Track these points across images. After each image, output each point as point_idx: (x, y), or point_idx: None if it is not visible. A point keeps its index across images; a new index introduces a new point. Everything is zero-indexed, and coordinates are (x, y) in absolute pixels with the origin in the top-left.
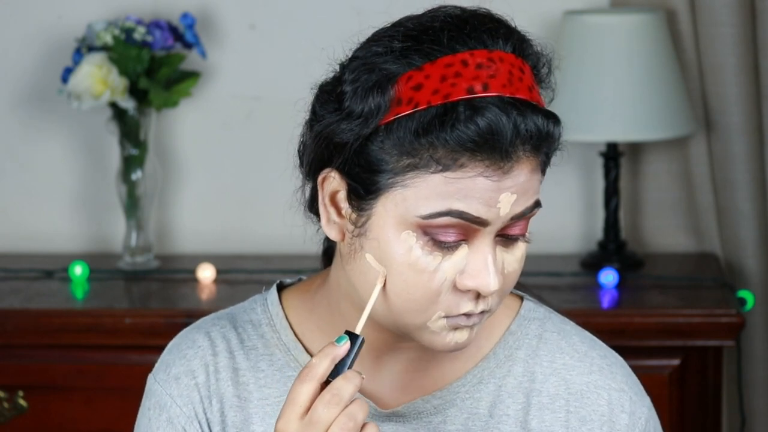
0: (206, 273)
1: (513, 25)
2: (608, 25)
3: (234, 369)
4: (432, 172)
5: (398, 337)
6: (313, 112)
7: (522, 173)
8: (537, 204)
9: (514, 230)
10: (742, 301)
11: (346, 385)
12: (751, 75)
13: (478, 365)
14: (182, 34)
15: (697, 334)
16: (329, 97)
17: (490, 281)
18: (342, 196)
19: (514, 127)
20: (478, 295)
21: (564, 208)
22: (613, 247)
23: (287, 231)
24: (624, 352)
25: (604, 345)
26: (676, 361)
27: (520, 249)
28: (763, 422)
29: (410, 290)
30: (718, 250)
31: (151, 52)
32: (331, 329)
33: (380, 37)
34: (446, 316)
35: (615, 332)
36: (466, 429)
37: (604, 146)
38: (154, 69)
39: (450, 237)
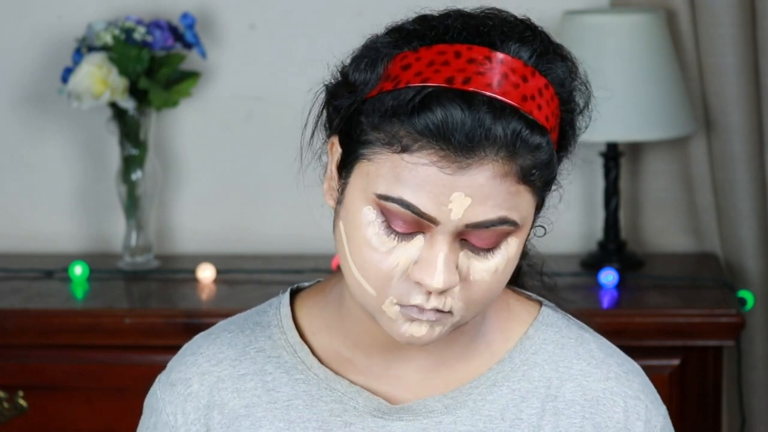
0: (206, 273)
1: (550, 39)
2: (608, 25)
3: (239, 377)
4: (393, 151)
5: None
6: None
7: (482, 175)
8: (503, 221)
9: (478, 242)
10: (742, 301)
11: None
12: (751, 75)
13: (492, 368)
14: (182, 34)
15: (697, 334)
16: (342, 66)
17: (434, 278)
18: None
19: (477, 126)
20: (431, 292)
21: (564, 208)
22: (613, 247)
23: (287, 231)
24: (624, 352)
25: (622, 353)
26: (676, 361)
27: (493, 261)
28: (763, 422)
29: (365, 266)
30: (718, 250)
31: (151, 52)
32: (339, 324)
33: (407, 20)
34: (399, 304)
35: (615, 332)
36: (477, 430)
37: (604, 146)
38: (154, 69)
39: (403, 228)
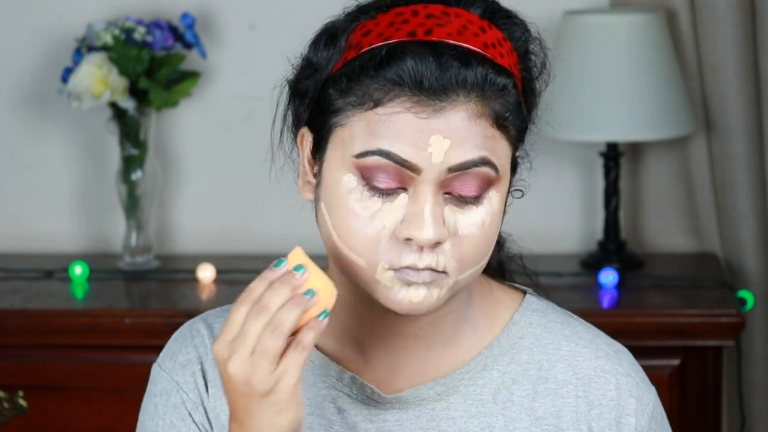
0: (206, 273)
1: (499, 3)
2: (608, 25)
3: None
4: (366, 109)
5: (398, 321)
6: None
7: (457, 117)
8: (484, 162)
9: (463, 190)
10: (742, 301)
11: (271, 295)
12: (751, 75)
13: (481, 353)
14: (182, 34)
15: (697, 334)
16: (301, 56)
17: (423, 230)
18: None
19: (446, 69)
20: (422, 249)
21: (564, 208)
22: (613, 247)
23: (287, 231)
24: None
25: (608, 336)
26: (676, 361)
27: (478, 214)
28: (763, 422)
29: (351, 236)
30: (718, 250)
31: (151, 52)
32: (329, 317)
33: (356, 2)
34: (392, 269)
35: (615, 332)
36: (469, 415)
37: (604, 146)
38: (154, 69)
39: (385, 183)
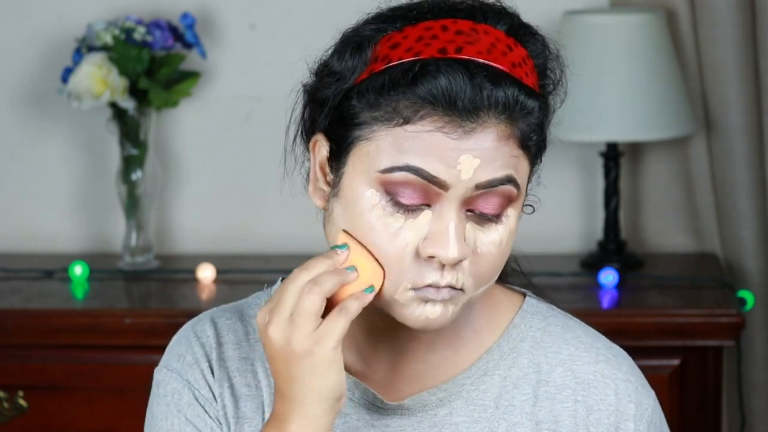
0: (206, 273)
1: (518, 16)
2: (608, 25)
3: (242, 359)
4: (394, 125)
5: (399, 326)
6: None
7: (487, 138)
8: (510, 180)
9: (485, 207)
10: (742, 301)
11: (314, 262)
12: (751, 75)
13: (482, 357)
14: (182, 34)
15: (697, 334)
16: (321, 62)
17: (449, 248)
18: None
19: (479, 90)
20: (444, 266)
21: (564, 208)
22: (613, 247)
23: (287, 231)
24: (624, 352)
25: (608, 339)
26: (676, 361)
27: (497, 232)
28: (763, 422)
29: (373, 251)
30: (718, 250)
31: (151, 52)
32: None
33: (381, 9)
34: (413, 288)
35: (615, 332)
36: (472, 421)
37: (604, 146)
38: (154, 69)
39: (410, 199)
